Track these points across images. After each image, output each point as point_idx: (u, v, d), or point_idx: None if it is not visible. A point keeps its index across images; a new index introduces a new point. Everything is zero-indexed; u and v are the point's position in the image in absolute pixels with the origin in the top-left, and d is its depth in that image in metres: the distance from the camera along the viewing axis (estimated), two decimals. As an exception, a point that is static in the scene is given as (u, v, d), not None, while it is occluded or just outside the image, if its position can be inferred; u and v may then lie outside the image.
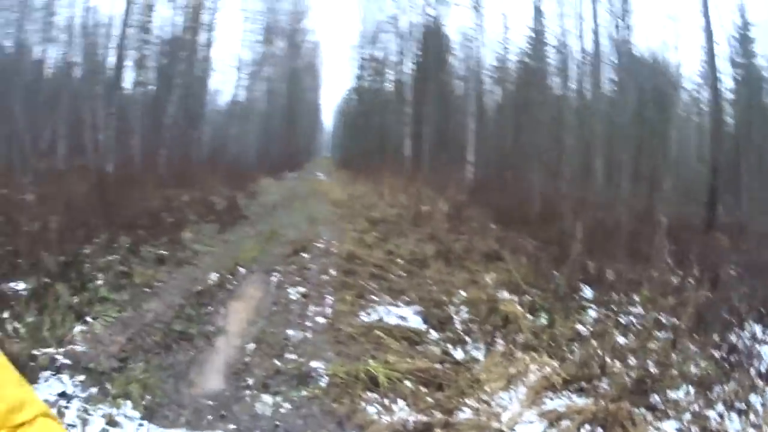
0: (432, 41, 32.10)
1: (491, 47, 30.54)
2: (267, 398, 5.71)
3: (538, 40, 26.65)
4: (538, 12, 26.37)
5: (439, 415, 5.31)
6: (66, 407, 5.17)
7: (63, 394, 5.38)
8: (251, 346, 7.11)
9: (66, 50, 30.78)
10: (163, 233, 12.93)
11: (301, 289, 9.77)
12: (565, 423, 5.20)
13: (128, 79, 28.59)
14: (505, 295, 9.14)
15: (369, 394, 5.76)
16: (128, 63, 27.64)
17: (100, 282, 9.06)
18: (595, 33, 22.64)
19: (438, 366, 6.37)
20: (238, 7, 38.74)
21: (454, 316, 8.35)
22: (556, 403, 5.69)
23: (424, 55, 32.58)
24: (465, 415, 5.43)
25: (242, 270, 10.95)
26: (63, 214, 12.30)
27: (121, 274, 9.61)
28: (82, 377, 5.75)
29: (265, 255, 12.35)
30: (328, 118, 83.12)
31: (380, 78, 39.86)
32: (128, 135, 26.48)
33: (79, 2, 25.73)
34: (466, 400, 5.66)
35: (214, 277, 10.13)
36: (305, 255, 12.43)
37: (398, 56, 35.78)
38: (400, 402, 5.62)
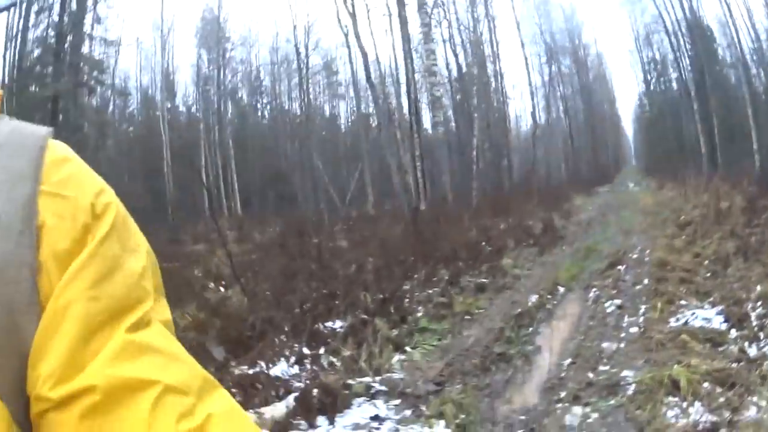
0: (697, 33, 30.85)
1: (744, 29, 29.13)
2: (577, 410, 5.87)
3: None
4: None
5: (726, 414, 5.19)
6: (377, 428, 5.71)
7: (375, 417, 5.93)
8: (567, 361, 7.29)
9: (356, 104, 32.85)
10: (482, 262, 13.31)
11: (617, 302, 9.82)
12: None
13: (426, 120, 29.92)
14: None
15: (670, 398, 5.74)
16: (422, 105, 28.94)
17: (419, 314, 9.64)
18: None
19: (734, 365, 6.23)
20: (516, 35, 39.64)
21: (751, 313, 8.03)
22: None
23: (693, 48, 31.38)
24: (750, 413, 5.27)
25: (561, 289, 11.16)
26: (380, 255, 13.16)
27: (441, 305, 10.07)
28: (397, 401, 6.28)
29: (584, 272, 12.47)
30: (628, 126, 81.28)
31: (664, 78, 38.71)
32: (436, 173, 27.56)
33: (358, 58, 27.30)
34: (752, 398, 5.52)
35: (533, 298, 10.40)
36: (620, 267, 12.38)
37: (673, 54, 34.66)
38: (696, 404, 5.54)
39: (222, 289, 12.16)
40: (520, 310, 9.67)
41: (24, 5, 23.76)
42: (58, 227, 0.71)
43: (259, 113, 39.09)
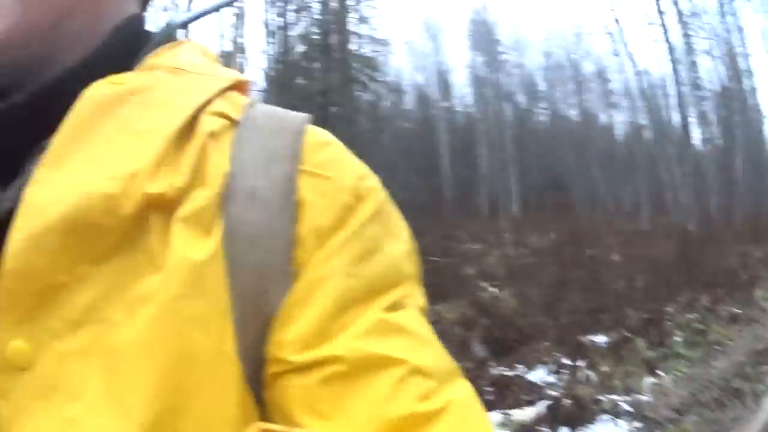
0: None
1: None
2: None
3: None
4: None
5: None
6: (617, 450, 6.14)
7: (616, 438, 6.35)
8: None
9: (631, 114, 32.17)
10: (738, 291, 13.02)
11: None
12: None
13: (696, 135, 29.00)
14: None
15: None
16: (691, 119, 28.02)
17: (677, 338, 9.81)
18: None
19: None
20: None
21: None
22: None
23: None
24: None
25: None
26: (648, 272, 13.30)
27: (697, 332, 10.13)
28: (638, 424, 6.67)
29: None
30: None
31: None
32: (703, 192, 26.59)
33: (629, 67, 26.88)
34: None
35: (775, 334, 10.22)
36: None
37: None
38: None
39: (493, 290, 12.73)
40: (761, 346, 9.59)
41: (284, 4, 25.52)
42: (319, 205, 0.72)
43: (537, 117, 39.30)
